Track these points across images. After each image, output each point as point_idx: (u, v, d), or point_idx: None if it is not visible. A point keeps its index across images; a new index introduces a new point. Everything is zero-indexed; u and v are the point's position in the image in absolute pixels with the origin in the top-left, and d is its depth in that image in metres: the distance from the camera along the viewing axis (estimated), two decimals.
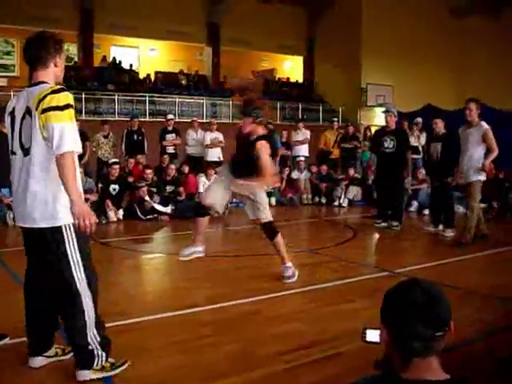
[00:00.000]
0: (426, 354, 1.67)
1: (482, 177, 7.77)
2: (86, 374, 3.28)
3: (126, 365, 3.43)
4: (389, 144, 9.49)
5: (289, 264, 5.83)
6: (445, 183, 8.80)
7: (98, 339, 3.32)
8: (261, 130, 5.66)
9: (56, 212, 3.19)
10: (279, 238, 5.80)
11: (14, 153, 3.32)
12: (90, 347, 3.28)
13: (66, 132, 3.08)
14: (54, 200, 3.19)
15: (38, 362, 3.48)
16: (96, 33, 23.25)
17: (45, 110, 3.10)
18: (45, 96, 3.12)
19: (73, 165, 3.13)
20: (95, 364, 3.30)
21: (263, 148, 5.49)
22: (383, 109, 11.06)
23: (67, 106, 3.14)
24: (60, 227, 3.22)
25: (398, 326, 1.70)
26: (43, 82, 3.27)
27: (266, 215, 5.74)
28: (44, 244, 3.28)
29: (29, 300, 3.53)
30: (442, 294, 1.74)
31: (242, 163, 5.68)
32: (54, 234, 3.22)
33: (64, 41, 3.47)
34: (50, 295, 3.39)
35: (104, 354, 3.34)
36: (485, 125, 7.67)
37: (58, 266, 3.25)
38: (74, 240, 3.25)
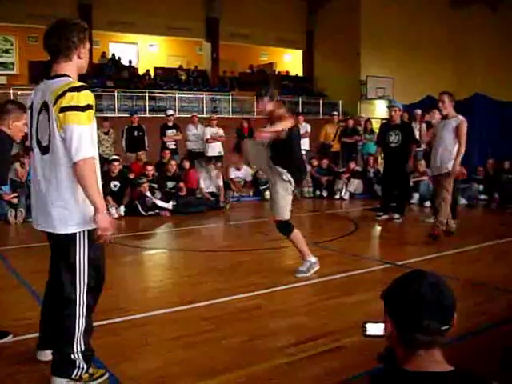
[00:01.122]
0: (430, 347, 1.67)
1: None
2: (61, 383, 3.12)
3: (105, 377, 3.25)
4: (394, 138, 9.56)
5: (309, 258, 5.76)
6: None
7: (83, 349, 3.14)
8: (284, 111, 5.57)
9: (71, 218, 3.03)
10: (294, 234, 5.72)
11: (32, 149, 3.16)
12: (72, 356, 3.11)
13: (85, 136, 2.90)
14: (70, 205, 3.03)
15: (47, 355, 3.43)
16: (94, 29, 23.17)
17: (64, 109, 2.89)
18: (64, 92, 2.90)
19: (93, 170, 2.96)
20: (74, 374, 3.12)
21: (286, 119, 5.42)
22: (383, 101, 11.11)
23: (88, 107, 2.94)
24: (74, 234, 3.06)
25: (404, 319, 1.69)
26: (64, 75, 3.05)
27: (281, 213, 5.66)
28: (56, 246, 3.22)
29: (47, 295, 3.44)
30: (448, 287, 1.73)
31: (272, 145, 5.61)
32: (66, 240, 3.08)
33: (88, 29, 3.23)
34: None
35: (85, 366, 3.15)
36: (461, 118, 7.59)
37: (65, 269, 3.13)
38: (86, 247, 3.10)
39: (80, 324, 3.12)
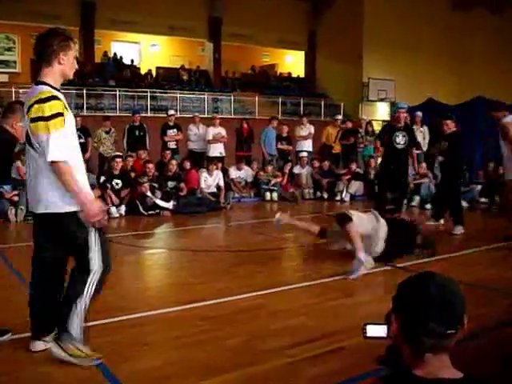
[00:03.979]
0: (437, 351, 1.65)
1: None
2: (49, 343, 3.45)
3: (99, 361, 3.42)
4: (401, 140, 9.44)
5: (359, 255, 5.78)
6: (455, 180, 8.89)
7: (80, 316, 3.39)
8: None
9: (66, 200, 3.29)
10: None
11: (25, 144, 3.42)
12: (67, 318, 3.36)
13: (53, 142, 3.15)
14: (60, 192, 3.28)
15: (37, 346, 3.57)
16: (97, 28, 23.24)
17: (32, 120, 3.19)
18: (32, 104, 3.19)
19: (68, 171, 3.22)
20: (63, 341, 3.35)
21: None
22: (385, 103, 11.15)
23: (54, 116, 3.18)
24: (74, 213, 3.32)
25: (410, 321, 1.67)
26: (42, 83, 3.30)
27: None
28: (57, 227, 3.41)
29: (35, 286, 3.63)
30: (458, 290, 1.70)
31: None
32: (70, 218, 3.33)
33: (72, 37, 3.47)
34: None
35: (77, 337, 3.37)
36: None
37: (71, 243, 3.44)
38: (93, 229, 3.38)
39: (90, 288, 3.40)
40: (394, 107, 10.30)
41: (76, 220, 3.33)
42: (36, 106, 3.17)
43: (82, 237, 3.36)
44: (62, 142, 3.20)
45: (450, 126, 8.85)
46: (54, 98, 3.22)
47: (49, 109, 3.16)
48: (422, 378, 1.61)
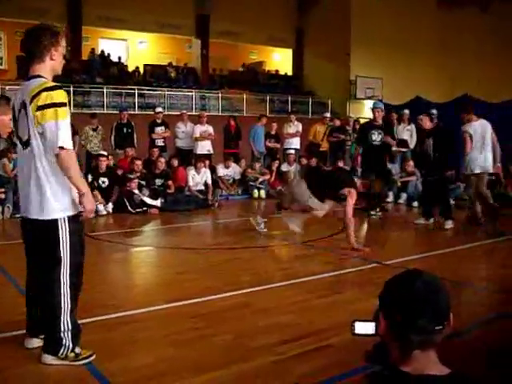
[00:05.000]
0: (425, 347, 1.66)
1: None
2: (49, 359, 3.39)
3: (91, 358, 3.45)
4: (377, 137, 9.86)
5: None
6: (443, 177, 9.03)
7: (70, 327, 3.38)
8: None
9: (51, 205, 3.29)
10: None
11: (16, 145, 3.44)
12: (60, 335, 3.35)
13: (63, 129, 3.18)
14: (52, 193, 3.29)
15: (33, 343, 3.60)
16: (84, 25, 23.08)
17: (40, 108, 3.16)
18: (39, 92, 3.17)
19: (74, 159, 3.27)
20: (60, 352, 3.38)
21: None
22: (372, 101, 11.34)
23: (62, 104, 3.21)
24: (55, 220, 3.31)
25: (398, 318, 1.68)
26: (39, 76, 3.31)
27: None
28: (38, 232, 3.38)
29: (28, 287, 3.63)
30: (444, 287, 1.72)
31: None
32: (48, 226, 3.31)
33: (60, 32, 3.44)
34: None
35: (71, 345, 3.39)
36: None
37: (48, 253, 3.36)
38: (67, 231, 3.34)
39: (65, 302, 3.36)
40: (372, 107, 10.50)
41: (65, 225, 3.34)
42: (44, 93, 3.17)
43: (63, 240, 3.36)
44: (69, 131, 3.24)
45: (425, 121, 8.98)
46: (59, 87, 3.27)
47: (57, 96, 3.20)
48: (409, 375, 1.63)
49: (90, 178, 10.70)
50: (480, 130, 8.57)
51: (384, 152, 10.08)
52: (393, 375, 1.65)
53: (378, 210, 9.99)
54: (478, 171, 8.58)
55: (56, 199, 3.30)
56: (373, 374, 1.68)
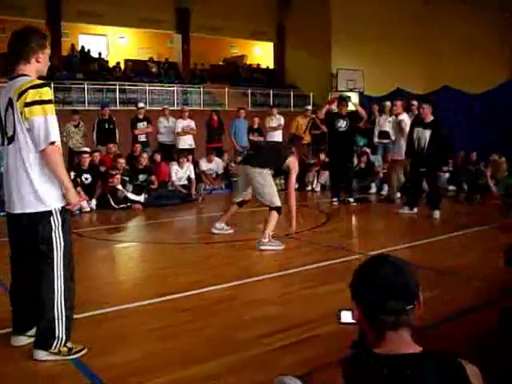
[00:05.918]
0: (397, 328, 1.69)
1: None
2: (42, 355, 3.40)
3: (83, 352, 3.48)
4: (342, 123, 10.51)
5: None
6: (435, 169, 9.42)
7: (64, 314, 3.42)
8: None
9: (47, 196, 3.38)
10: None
11: (2, 143, 3.47)
12: (54, 324, 3.38)
13: (51, 124, 3.27)
14: (44, 185, 3.37)
15: (20, 340, 3.61)
16: (63, 21, 22.85)
17: (28, 104, 3.24)
18: (26, 89, 3.26)
19: (60, 154, 3.36)
20: (53, 347, 3.40)
21: None
22: (353, 93, 11.62)
23: (50, 101, 3.31)
24: (48, 212, 3.39)
25: (369, 302, 1.72)
26: (24, 75, 3.38)
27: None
28: (34, 226, 3.40)
29: (14, 285, 3.63)
30: (410, 268, 1.76)
31: None
32: (41, 218, 3.39)
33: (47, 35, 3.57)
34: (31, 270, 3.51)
35: (64, 337, 3.43)
36: None
37: (41, 243, 3.40)
38: (60, 221, 3.43)
39: (59, 287, 3.40)
40: (339, 100, 11.05)
41: (58, 214, 3.42)
42: (32, 91, 3.25)
43: (53, 236, 3.42)
44: (57, 127, 3.35)
45: (427, 111, 9.00)
46: (47, 85, 3.35)
47: (45, 94, 3.29)
48: (379, 355, 1.66)
49: (72, 174, 10.62)
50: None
51: (349, 139, 10.81)
52: (365, 358, 1.68)
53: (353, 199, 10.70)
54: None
55: (48, 191, 3.37)
56: (345, 360, 1.71)
